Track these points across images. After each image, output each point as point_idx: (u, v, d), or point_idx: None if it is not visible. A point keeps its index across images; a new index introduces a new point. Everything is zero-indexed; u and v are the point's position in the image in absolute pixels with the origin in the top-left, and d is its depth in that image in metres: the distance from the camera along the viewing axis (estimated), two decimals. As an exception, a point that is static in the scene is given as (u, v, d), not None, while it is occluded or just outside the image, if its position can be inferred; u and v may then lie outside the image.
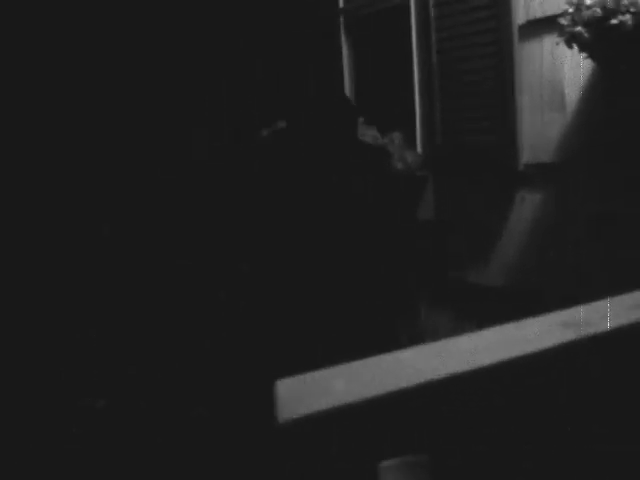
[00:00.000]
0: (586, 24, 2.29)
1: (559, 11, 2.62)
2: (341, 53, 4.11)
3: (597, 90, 2.82)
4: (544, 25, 2.93)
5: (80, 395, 3.44)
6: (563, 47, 2.59)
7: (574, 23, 2.39)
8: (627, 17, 2.24)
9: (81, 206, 3.92)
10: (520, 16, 3.06)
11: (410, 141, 3.72)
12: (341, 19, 4.09)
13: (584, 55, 2.51)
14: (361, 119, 3.97)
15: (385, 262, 3.85)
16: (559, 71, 2.92)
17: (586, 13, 2.30)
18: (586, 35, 2.30)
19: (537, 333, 1.38)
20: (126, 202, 3.97)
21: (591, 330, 1.39)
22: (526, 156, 3.12)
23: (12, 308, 3.62)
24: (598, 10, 2.23)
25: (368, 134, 3.72)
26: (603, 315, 1.46)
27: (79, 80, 3.98)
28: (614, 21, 2.20)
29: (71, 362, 3.57)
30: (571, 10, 2.47)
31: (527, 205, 3.17)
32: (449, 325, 3.64)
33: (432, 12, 3.41)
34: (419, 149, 3.69)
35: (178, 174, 4.00)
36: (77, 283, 3.79)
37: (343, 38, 4.11)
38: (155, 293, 3.82)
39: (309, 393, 1.12)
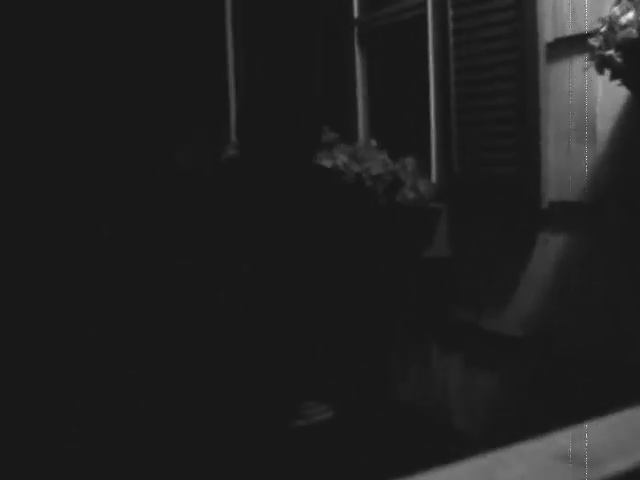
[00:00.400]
0: (619, 47, 1.91)
1: (592, 29, 2.25)
2: (354, 68, 3.76)
3: (632, 120, 2.43)
4: (575, 44, 2.54)
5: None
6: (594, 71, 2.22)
7: (606, 45, 2.01)
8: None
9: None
10: (548, 33, 2.68)
11: (425, 168, 3.36)
12: (355, 30, 3.75)
13: (617, 82, 2.13)
14: (373, 142, 3.64)
15: (381, 298, 3.56)
16: (590, 98, 2.54)
17: (620, 34, 1.92)
18: (619, 60, 1.93)
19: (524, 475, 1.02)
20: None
21: (600, 472, 1.03)
22: (551, 193, 2.73)
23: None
24: (634, 31, 1.85)
25: (378, 159, 3.37)
26: (617, 443, 1.09)
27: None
28: (653, 44, 1.82)
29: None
30: (604, 29, 2.09)
31: (551, 248, 2.79)
32: (459, 374, 3.27)
33: (451, 25, 3.05)
34: (434, 178, 3.32)
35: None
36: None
37: (357, 51, 3.76)
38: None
39: None
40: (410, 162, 3.35)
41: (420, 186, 3.27)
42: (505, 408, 3.04)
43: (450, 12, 3.04)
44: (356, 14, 3.73)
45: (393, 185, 3.38)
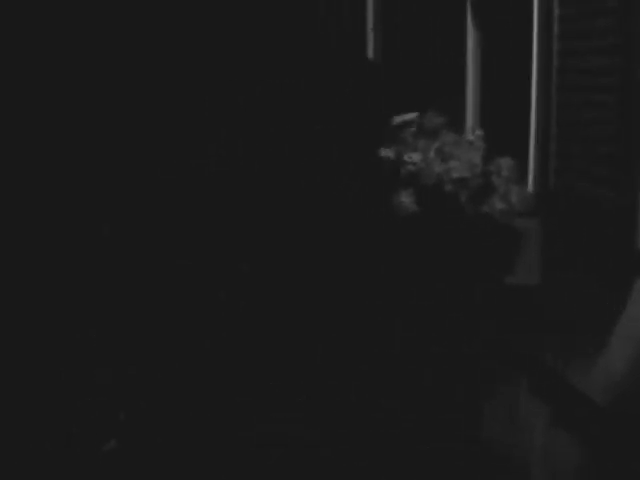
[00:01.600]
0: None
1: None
2: (465, 42, 3.17)
3: None
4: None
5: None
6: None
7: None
8: None
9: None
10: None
11: (522, 173, 2.75)
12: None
13: None
14: (479, 132, 3.05)
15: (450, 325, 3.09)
16: None
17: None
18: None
19: None
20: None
21: None
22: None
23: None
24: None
25: (464, 159, 2.81)
26: None
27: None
28: None
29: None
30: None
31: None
32: (541, 428, 2.71)
33: (555, 10, 2.40)
34: (530, 186, 2.72)
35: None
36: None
37: (469, 23, 3.15)
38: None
39: None
40: (506, 164, 2.75)
41: (512, 195, 2.69)
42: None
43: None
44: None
45: (485, 191, 2.81)
